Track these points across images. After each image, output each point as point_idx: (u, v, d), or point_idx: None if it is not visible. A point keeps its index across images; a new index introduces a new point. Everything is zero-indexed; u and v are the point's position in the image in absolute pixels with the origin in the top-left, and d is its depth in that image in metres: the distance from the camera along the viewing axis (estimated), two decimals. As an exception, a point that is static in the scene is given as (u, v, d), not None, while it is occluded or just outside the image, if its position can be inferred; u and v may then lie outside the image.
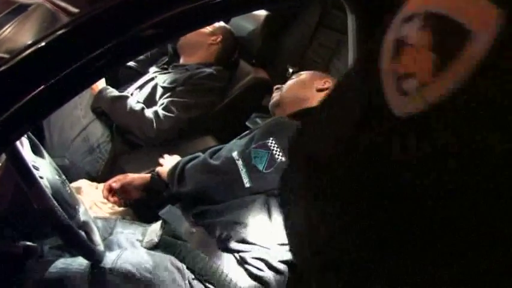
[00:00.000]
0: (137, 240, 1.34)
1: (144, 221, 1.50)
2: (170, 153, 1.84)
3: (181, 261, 1.17)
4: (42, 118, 0.89)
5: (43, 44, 0.79)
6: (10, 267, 1.07)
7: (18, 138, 0.98)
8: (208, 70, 1.96)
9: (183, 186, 1.33)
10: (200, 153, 1.42)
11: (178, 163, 1.40)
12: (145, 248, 1.28)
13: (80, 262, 1.12)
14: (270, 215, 1.20)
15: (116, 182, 1.55)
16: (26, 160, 0.98)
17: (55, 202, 0.98)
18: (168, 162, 1.52)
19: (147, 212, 1.59)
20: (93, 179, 1.85)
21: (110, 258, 1.14)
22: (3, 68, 0.80)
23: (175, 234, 1.28)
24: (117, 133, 1.95)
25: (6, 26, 1.49)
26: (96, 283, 1.09)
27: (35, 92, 0.79)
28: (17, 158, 0.97)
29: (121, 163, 1.89)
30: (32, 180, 0.97)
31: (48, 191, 1.01)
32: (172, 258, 1.18)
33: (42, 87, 0.79)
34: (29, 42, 1.29)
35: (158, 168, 1.53)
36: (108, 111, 1.92)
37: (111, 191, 1.55)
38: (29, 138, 1.16)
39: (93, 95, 1.94)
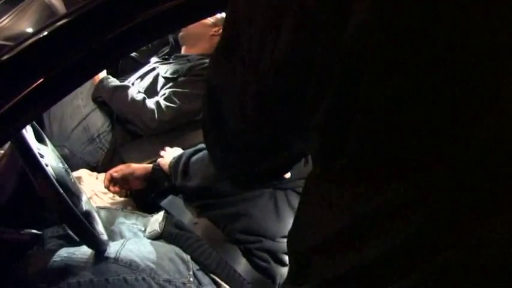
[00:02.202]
0: (140, 230, 1.34)
1: (146, 212, 1.49)
2: (172, 143, 1.82)
3: (186, 251, 1.17)
4: (48, 106, 0.87)
5: (45, 33, 0.78)
6: (15, 255, 1.06)
7: (24, 126, 0.96)
8: (210, 61, 1.94)
9: (188, 180, 1.30)
10: (203, 145, 1.39)
11: (181, 156, 1.36)
12: (148, 238, 1.27)
13: (83, 251, 1.11)
14: (276, 208, 1.19)
15: (117, 172, 1.54)
16: (32, 147, 0.97)
17: (61, 190, 0.97)
18: (169, 154, 1.49)
19: (149, 202, 1.58)
20: (93, 169, 1.84)
21: (114, 248, 1.13)
22: (6, 56, 0.79)
23: (178, 225, 1.28)
24: (117, 123, 1.94)
25: (5, 16, 1.48)
26: (100, 272, 1.08)
27: (42, 80, 0.78)
28: (23, 145, 0.96)
29: (121, 153, 1.88)
30: (38, 167, 0.96)
31: (53, 179, 1.00)
32: (177, 249, 1.17)
33: (48, 75, 0.78)
34: (28, 30, 1.28)
35: (159, 160, 1.49)
36: (108, 101, 1.90)
37: (112, 180, 1.53)
38: (31, 125, 1.15)
39: (94, 85, 1.92)
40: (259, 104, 0.46)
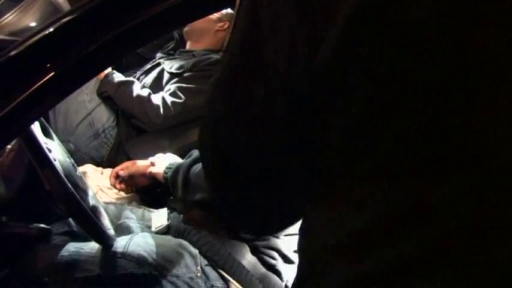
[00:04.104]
0: (146, 225, 1.34)
1: (151, 207, 1.49)
2: (176, 139, 1.82)
3: (194, 246, 1.16)
4: (57, 101, 0.87)
5: (52, 29, 0.78)
6: (23, 249, 1.06)
7: (34, 121, 0.96)
8: (215, 56, 1.94)
9: (190, 195, 1.22)
10: (196, 152, 1.28)
11: (178, 169, 1.27)
12: (155, 233, 1.27)
13: (91, 246, 1.11)
14: None
15: (122, 169, 1.53)
16: (40, 142, 0.97)
17: (69, 185, 0.97)
18: (161, 162, 1.40)
19: (154, 197, 1.58)
20: (97, 164, 1.84)
21: (121, 243, 1.13)
22: (14, 52, 0.79)
23: (185, 221, 1.27)
24: (122, 118, 1.93)
25: (10, 12, 1.48)
26: (108, 267, 1.08)
27: (50, 75, 0.78)
28: (31, 140, 0.96)
29: (126, 148, 1.88)
30: (46, 162, 0.96)
31: (62, 174, 1.00)
32: (185, 243, 1.17)
33: (56, 70, 0.78)
34: (32, 26, 1.27)
35: (151, 169, 1.42)
36: (113, 96, 1.90)
37: (118, 178, 1.53)
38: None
39: (99, 80, 1.92)
40: (288, 123, 0.44)
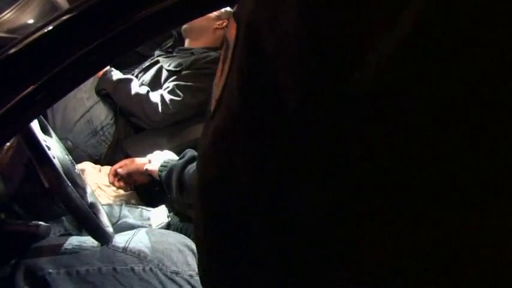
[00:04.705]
0: (146, 224, 1.34)
1: (150, 205, 1.50)
2: (175, 136, 1.83)
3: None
4: (57, 98, 0.87)
5: (51, 27, 0.78)
6: (22, 246, 1.07)
7: (33, 119, 0.96)
8: (214, 54, 1.94)
9: (185, 197, 1.20)
10: (191, 151, 1.29)
11: (172, 170, 1.25)
12: (155, 230, 1.27)
13: (93, 240, 1.12)
14: None
15: (121, 167, 1.54)
16: (40, 140, 0.97)
17: (68, 182, 0.98)
18: (157, 159, 1.39)
19: (153, 195, 1.58)
20: (96, 161, 1.84)
21: (123, 238, 1.14)
22: (13, 50, 0.79)
23: (183, 219, 1.28)
24: (121, 116, 1.93)
25: (8, 9, 1.48)
26: (109, 261, 1.08)
27: (51, 73, 0.78)
28: (30, 138, 0.96)
29: (125, 146, 1.88)
30: (46, 160, 0.96)
31: (61, 172, 1.00)
32: (188, 240, 1.17)
33: (57, 68, 0.78)
34: (30, 23, 1.25)
35: (147, 166, 1.42)
36: (112, 94, 1.90)
37: (117, 176, 1.54)
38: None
39: (97, 77, 1.92)
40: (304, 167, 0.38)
